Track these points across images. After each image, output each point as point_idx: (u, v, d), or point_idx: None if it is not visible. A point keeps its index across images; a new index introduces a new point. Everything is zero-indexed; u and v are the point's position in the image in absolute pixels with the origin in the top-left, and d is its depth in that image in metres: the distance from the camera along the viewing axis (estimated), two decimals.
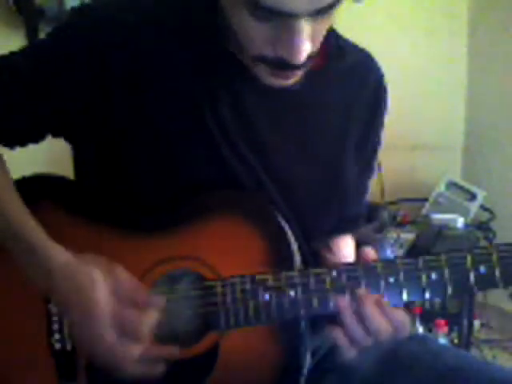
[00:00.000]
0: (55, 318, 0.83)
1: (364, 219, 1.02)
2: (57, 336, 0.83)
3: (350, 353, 0.77)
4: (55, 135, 0.90)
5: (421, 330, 2.23)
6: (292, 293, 0.78)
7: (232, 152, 0.84)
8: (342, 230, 0.98)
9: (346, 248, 0.98)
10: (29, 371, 0.83)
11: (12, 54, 0.86)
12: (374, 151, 0.98)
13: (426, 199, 2.57)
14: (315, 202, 0.90)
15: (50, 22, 1.97)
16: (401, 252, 2.24)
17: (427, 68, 2.65)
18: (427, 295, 0.77)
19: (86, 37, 0.82)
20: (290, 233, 0.82)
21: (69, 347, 0.82)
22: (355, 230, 1.00)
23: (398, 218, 2.51)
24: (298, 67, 0.75)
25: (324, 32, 0.74)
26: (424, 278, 0.77)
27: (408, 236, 2.32)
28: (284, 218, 0.83)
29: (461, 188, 2.58)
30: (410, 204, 2.63)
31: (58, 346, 0.83)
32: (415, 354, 0.91)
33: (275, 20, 0.69)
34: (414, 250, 2.20)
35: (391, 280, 0.77)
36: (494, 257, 0.76)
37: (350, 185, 0.93)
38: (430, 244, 2.17)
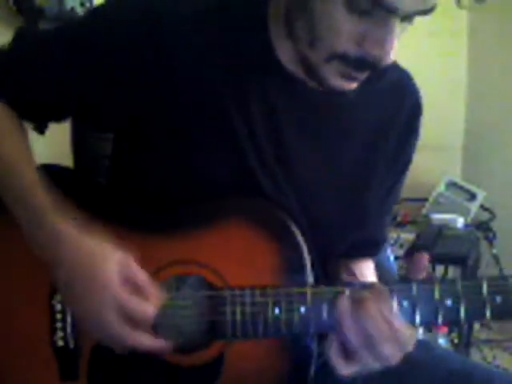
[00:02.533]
0: (58, 316, 0.82)
1: (384, 245, 0.99)
2: (59, 334, 0.82)
3: (346, 370, 0.75)
4: (76, 116, 0.92)
5: (421, 330, 2.23)
6: (302, 309, 0.76)
7: (256, 157, 0.82)
8: (361, 253, 0.96)
9: (368, 274, 0.96)
10: (30, 369, 0.83)
11: (60, 29, 0.88)
12: (402, 173, 0.95)
13: (426, 199, 2.57)
14: (334, 218, 0.87)
15: (50, 22, 1.97)
16: (401, 252, 2.24)
17: (427, 68, 2.65)
18: (440, 320, 0.75)
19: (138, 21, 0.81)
20: (304, 246, 0.80)
21: (71, 345, 0.82)
22: (375, 255, 0.98)
23: (398, 218, 2.51)
24: (375, 68, 0.74)
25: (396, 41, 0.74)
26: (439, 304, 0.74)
27: (408, 236, 2.32)
28: (300, 230, 0.81)
29: (461, 188, 2.58)
30: (410, 204, 2.62)
31: (60, 343, 0.82)
32: (418, 358, 0.90)
33: (373, 16, 0.69)
34: (413, 250, 2.20)
35: (405, 303, 0.74)
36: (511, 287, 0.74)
37: (372, 205, 0.90)
38: (430, 244, 2.17)
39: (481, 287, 0.74)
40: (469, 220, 2.46)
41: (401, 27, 0.72)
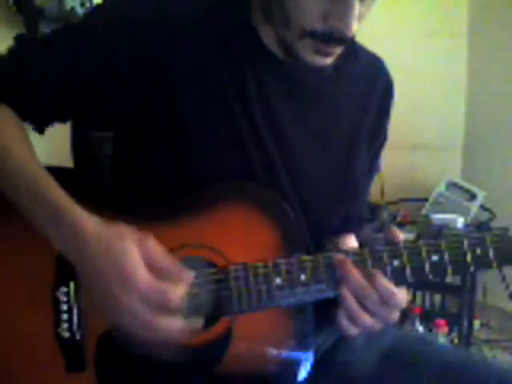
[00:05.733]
0: (64, 307, 0.82)
1: (367, 219, 1.04)
2: (65, 325, 0.82)
3: (349, 330, 0.79)
4: (80, 116, 0.94)
5: (421, 330, 2.23)
6: (303, 276, 0.80)
7: (254, 140, 0.86)
8: (347, 228, 1.00)
9: (351, 242, 1.00)
10: (36, 362, 0.83)
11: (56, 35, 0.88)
12: (381, 147, 1.01)
13: (426, 199, 2.57)
14: (325, 197, 0.92)
15: (50, 21, 1.97)
16: None
17: (427, 68, 2.65)
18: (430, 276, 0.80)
19: (126, 20, 0.85)
20: (295, 221, 0.84)
21: (77, 336, 0.82)
22: (358, 230, 1.02)
23: (398, 218, 2.51)
24: (342, 42, 0.81)
25: (363, 19, 0.81)
26: (426, 260, 0.80)
27: (408, 236, 2.32)
28: (292, 207, 0.85)
29: (461, 188, 2.58)
30: (410, 204, 2.63)
31: (65, 335, 0.82)
32: (415, 351, 0.91)
33: None
34: None
35: (396, 263, 0.80)
36: (488, 240, 0.81)
37: (359, 181, 0.96)
38: None
39: (462, 242, 0.82)
40: (469, 220, 2.46)
41: (365, 3, 0.79)
